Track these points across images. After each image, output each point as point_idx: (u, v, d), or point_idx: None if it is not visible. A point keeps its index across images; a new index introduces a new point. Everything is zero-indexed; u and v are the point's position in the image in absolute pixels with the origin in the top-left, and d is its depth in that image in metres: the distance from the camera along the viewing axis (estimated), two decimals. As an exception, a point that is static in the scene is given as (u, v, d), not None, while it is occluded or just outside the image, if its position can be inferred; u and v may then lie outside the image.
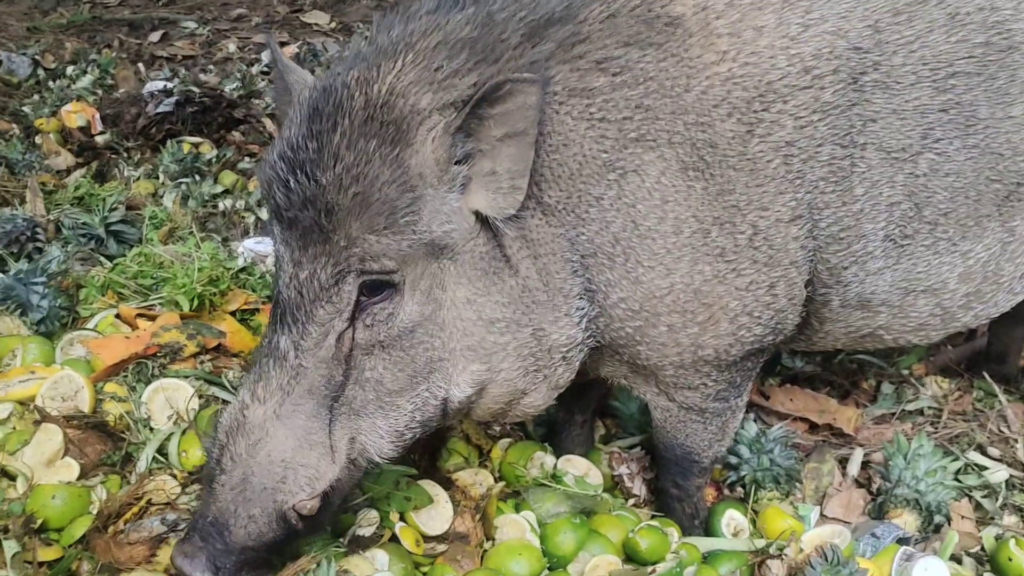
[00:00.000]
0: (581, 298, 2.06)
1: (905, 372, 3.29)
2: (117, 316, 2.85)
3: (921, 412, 3.15)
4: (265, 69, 5.84)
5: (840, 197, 2.11)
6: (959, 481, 2.79)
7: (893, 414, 3.12)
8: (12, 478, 2.22)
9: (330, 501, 1.96)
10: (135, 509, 2.16)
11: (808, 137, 2.05)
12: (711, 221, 2.04)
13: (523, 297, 2.01)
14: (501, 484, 2.38)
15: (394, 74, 1.86)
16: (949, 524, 2.62)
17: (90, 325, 2.81)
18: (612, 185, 1.99)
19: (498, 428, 2.71)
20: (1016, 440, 2.99)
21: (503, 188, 1.90)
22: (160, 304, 2.92)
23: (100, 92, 5.19)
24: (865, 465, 2.87)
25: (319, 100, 1.88)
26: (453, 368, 1.99)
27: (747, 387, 2.41)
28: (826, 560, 2.26)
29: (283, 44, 6.30)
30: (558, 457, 2.58)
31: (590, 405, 2.70)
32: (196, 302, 2.91)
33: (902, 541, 2.48)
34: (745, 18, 2.03)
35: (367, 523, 2.21)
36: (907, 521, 2.59)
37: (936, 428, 3.05)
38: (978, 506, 2.75)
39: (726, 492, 2.72)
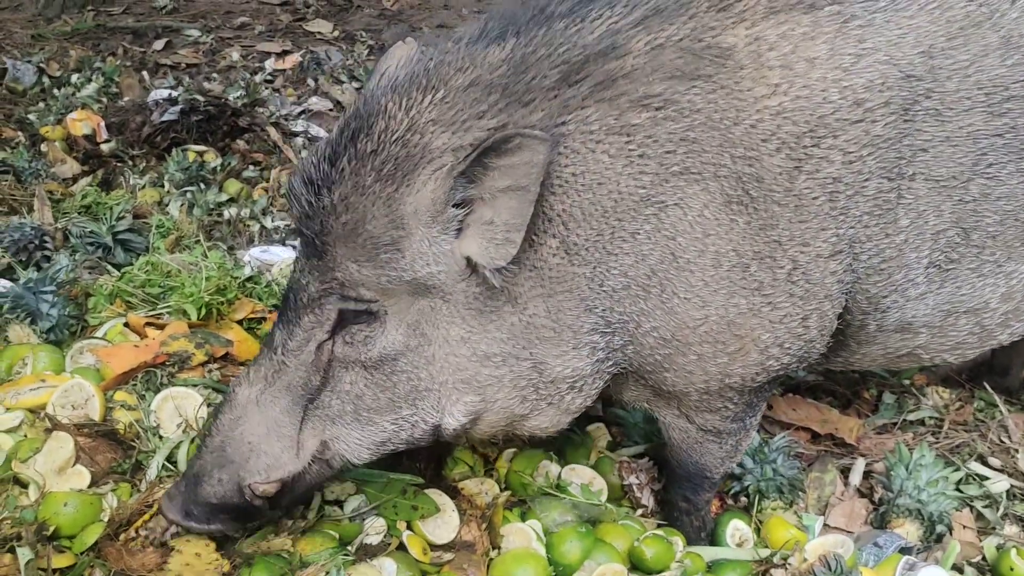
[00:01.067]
0: (595, 333, 2.06)
1: (906, 382, 3.31)
2: (126, 325, 2.87)
3: (922, 422, 3.17)
4: (269, 77, 5.87)
5: (883, 230, 2.09)
6: (960, 491, 2.81)
7: (895, 424, 3.14)
8: (24, 486, 2.24)
9: (292, 489, 2.09)
10: (146, 516, 2.18)
11: (856, 172, 2.02)
12: (751, 255, 2.03)
13: (526, 333, 2.03)
14: (507, 493, 2.40)
15: (417, 110, 1.88)
16: (951, 534, 2.64)
17: (99, 334, 2.83)
18: (650, 219, 1.98)
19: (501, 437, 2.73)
20: (1017, 450, 3.01)
21: (497, 239, 1.89)
22: (168, 313, 2.94)
23: (105, 100, 5.20)
24: (867, 475, 2.89)
25: (349, 119, 1.94)
26: (446, 399, 2.05)
27: (762, 407, 2.43)
28: (829, 569, 2.28)
29: (286, 52, 6.32)
30: (562, 466, 2.60)
31: None
32: (204, 311, 2.94)
33: (904, 551, 2.50)
34: (798, 49, 1.99)
35: (374, 532, 2.23)
36: (909, 531, 2.60)
37: (937, 438, 3.07)
38: (979, 516, 2.77)
39: (730, 502, 2.74)
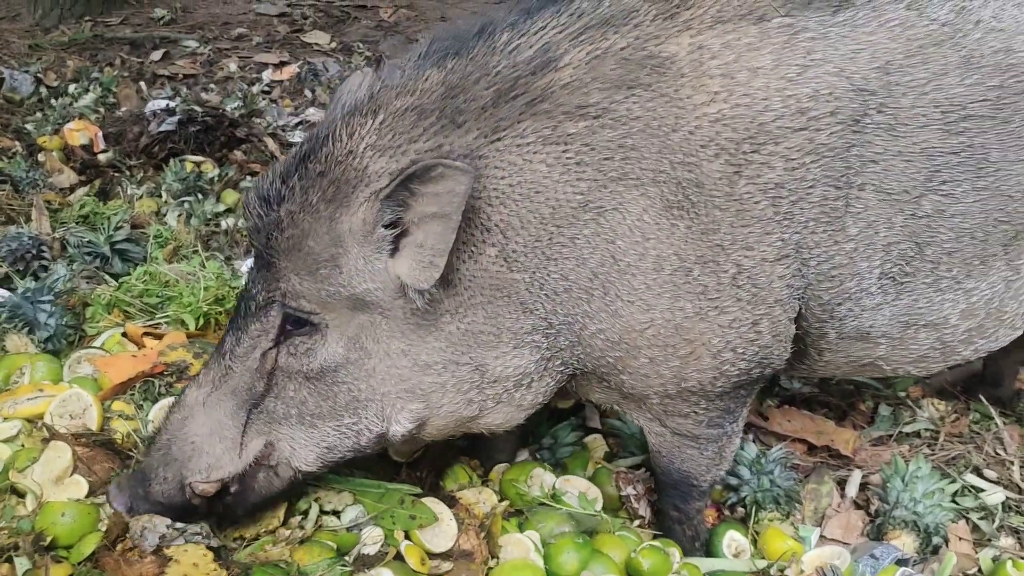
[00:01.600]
0: (536, 332, 2.10)
1: (902, 394, 3.32)
2: (124, 335, 2.87)
3: (918, 434, 3.17)
4: (266, 88, 5.88)
5: (832, 236, 2.12)
6: (956, 503, 2.82)
7: (891, 436, 3.15)
8: (21, 495, 2.24)
9: (244, 498, 2.15)
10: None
11: (799, 179, 2.05)
12: (694, 259, 2.06)
13: (464, 339, 2.08)
14: (505, 503, 2.40)
15: (359, 134, 1.96)
16: (947, 545, 2.64)
17: (97, 343, 2.83)
18: (589, 224, 2.02)
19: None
20: (1012, 462, 3.02)
21: (424, 262, 1.95)
22: (166, 323, 2.94)
23: (102, 110, 5.20)
24: (863, 487, 2.89)
25: (305, 142, 2.05)
26: (390, 408, 2.11)
27: (742, 412, 2.43)
28: (826, 581, 2.29)
29: (283, 64, 6.34)
30: (557, 476, 2.60)
31: None
32: (202, 321, 2.95)
33: (901, 562, 2.50)
34: (741, 58, 2.03)
35: (372, 541, 2.23)
36: (905, 542, 2.61)
37: (933, 450, 3.08)
38: (975, 528, 2.77)
39: (727, 513, 2.74)
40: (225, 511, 2.18)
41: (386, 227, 1.94)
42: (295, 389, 2.10)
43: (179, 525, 2.14)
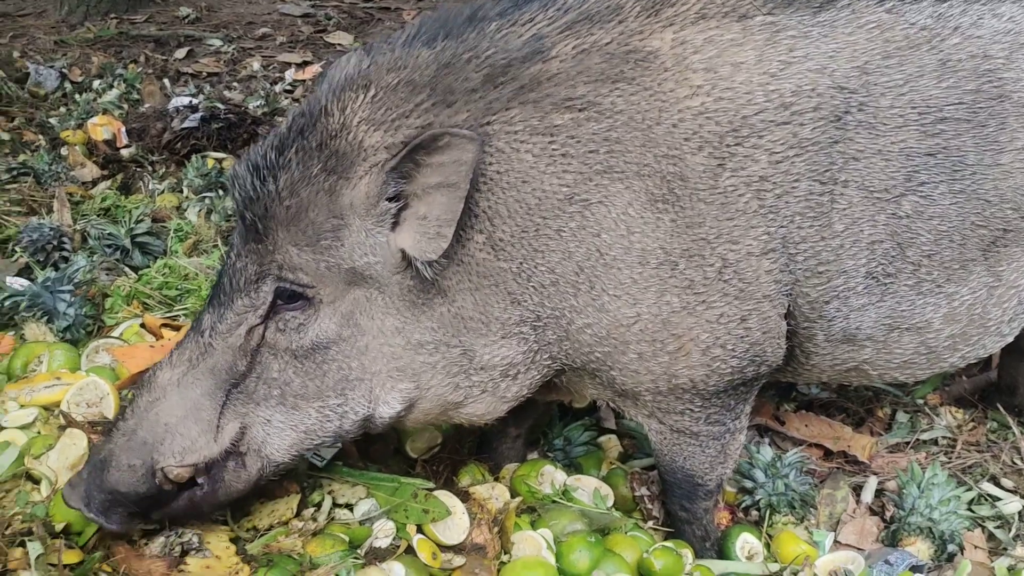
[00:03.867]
0: (523, 324, 2.10)
1: (920, 402, 3.30)
2: (142, 325, 2.89)
3: (935, 442, 3.15)
4: (289, 87, 5.91)
5: (819, 232, 2.13)
6: (972, 511, 2.80)
7: (907, 443, 3.12)
8: (36, 482, 2.24)
9: (214, 490, 2.07)
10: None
11: (784, 172, 2.06)
12: (679, 253, 2.06)
13: (455, 323, 2.08)
14: (519, 499, 2.40)
15: (351, 109, 1.96)
16: (962, 553, 2.62)
17: (115, 334, 2.85)
18: (574, 216, 2.02)
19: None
20: (1030, 471, 2.99)
21: (429, 233, 1.95)
22: (184, 315, 2.96)
23: (126, 106, 5.25)
24: (879, 493, 2.87)
25: (297, 116, 2.03)
26: (379, 388, 2.10)
27: (745, 409, 2.41)
28: (840, 585, 2.27)
29: (306, 63, 6.37)
30: (569, 474, 2.60)
31: (526, 421, 2.70)
32: (219, 314, 2.94)
33: (915, 569, 2.48)
34: (724, 54, 2.05)
35: (384, 534, 2.23)
36: (920, 549, 2.59)
37: (950, 458, 3.06)
38: (991, 536, 2.75)
39: (740, 516, 2.73)
40: (194, 507, 2.09)
41: (389, 200, 1.94)
42: (280, 368, 2.05)
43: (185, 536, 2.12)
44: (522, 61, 2.02)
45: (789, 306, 2.21)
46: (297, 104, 5.47)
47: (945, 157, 2.15)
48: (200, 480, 2.07)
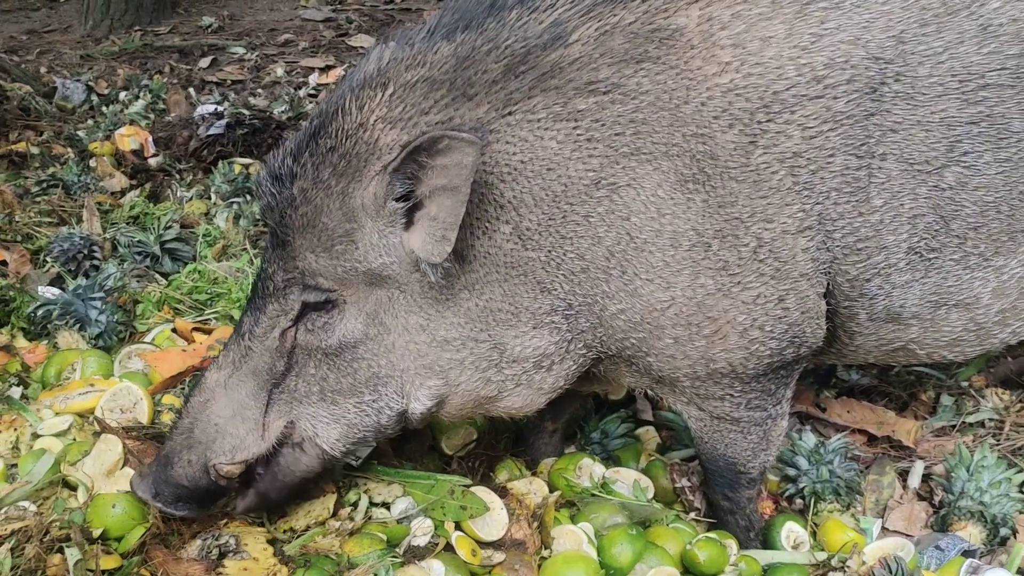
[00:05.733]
0: (555, 313, 2.07)
1: (964, 384, 3.22)
2: (173, 330, 2.89)
3: (982, 424, 3.07)
4: (312, 92, 5.92)
5: (856, 208, 2.07)
6: (1024, 493, 2.72)
7: (953, 426, 3.05)
8: (73, 488, 2.25)
9: (274, 476, 2.13)
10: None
11: (818, 148, 2.01)
12: (712, 234, 2.02)
13: (483, 316, 2.05)
14: (557, 493, 2.36)
15: (369, 107, 1.95)
16: (1015, 536, 2.55)
17: (147, 339, 2.86)
18: (602, 201, 1.99)
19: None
20: (1082, 452, 2.91)
21: (436, 236, 1.92)
22: (215, 318, 2.96)
23: (152, 116, 5.28)
24: (926, 478, 2.80)
25: (314, 117, 2.03)
26: (409, 385, 2.09)
27: (786, 394, 2.36)
28: (890, 572, 2.22)
29: (329, 67, 6.38)
30: (607, 467, 2.56)
31: (563, 414, 2.67)
32: (250, 316, 2.94)
33: (967, 554, 2.42)
34: (752, 28, 2.00)
35: (422, 533, 2.20)
36: (972, 533, 2.52)
37: (998, 440, 2.98)
38: (1045, 519, 2.67)
39: (784, 505, 2.67)
40: (261, 498, 2.17)
41: (398, 200, 1.91)
42: (315, 366, 2.08)
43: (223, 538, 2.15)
44: (542, 48, 1.99)
45: (828, 285, 2.15)
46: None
47: (989, 125, 2.08)
48: (260, 471, 2.13)
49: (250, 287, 2.18)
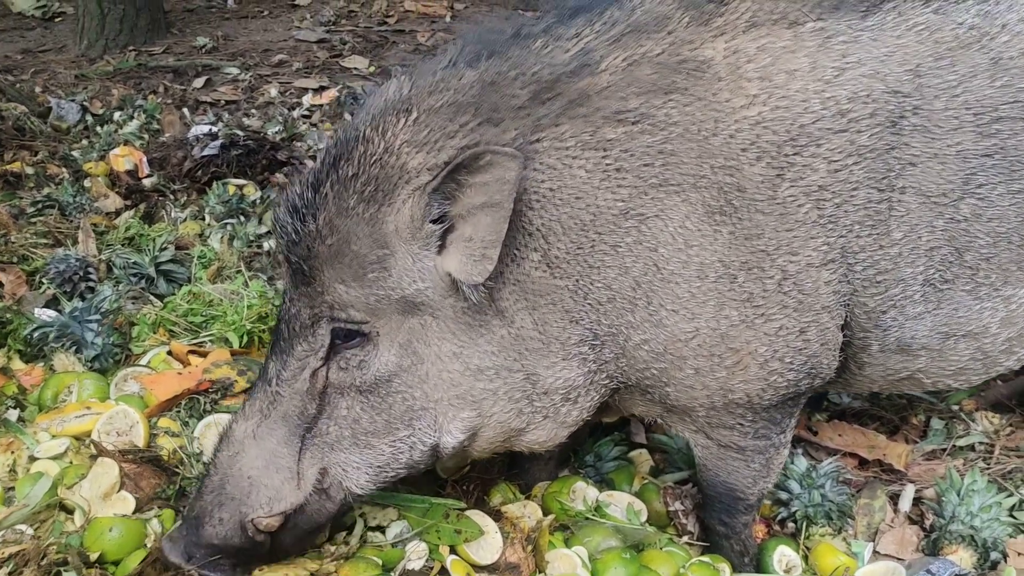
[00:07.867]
0: (583, 344, 2.07)
1: (955, 407, 3.25)
2: (169, 353, 2.89)
3: (972, 448, 3.10)
4: (306, 112, 5.94)
5: (877, 240, 2.09)
6: (1014, 517, 2.74)
7: (944, 450, 3.08)
8: (70, 512, 2.25)
9: (296, 525, 2.06)
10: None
11: (843, 181, 2.03)
12: (738, 266, 2.03)
13: (515, 345, 2.04)
14: (551, 517, 2.37)
15: (392, 132, 1.93)
16: (1006, 561, 2.58)
17: (143, 362, 2.85)
18: (631, 231, 1.99)
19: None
20: (1071, 476, 2.94)
21: (475, 255, 1.91)
22: (211, 341, 2.96)
23: (147, 136, 5.28)
24: (917, 501, 2.83)
25: (331, 148, 1.99)
26: (442, 417, 2.06)
27: (790, 423, 2.38)
28: (882, 596, 2.23)
29: (323, 88, 6.39)
30: (601, 490, 2.57)
31: (564, 441, 2.67)
32: (245, 339, 2.96)
33: (958, 577, 2.44)
34: (777, 61, 2.02)
35: (417, 556, 2.21)
36: (963, 557, 2.54)
37: (988, 464, 3.01)
38: (1035, 542, 2.69)
39: (776, 528, 2.69)
40: (276, 547, 2.10)
41: (433, 222, 1.90)
42: (348, 406, 2.04)
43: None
44: (570, 75, 1.99)
45: (846, 316, 2.17)
46: (315, 128, 5.53)
47: (1002, 157, 2.11)
48: (290, 522, 2.07)
49: (272, 332, 2.12)
